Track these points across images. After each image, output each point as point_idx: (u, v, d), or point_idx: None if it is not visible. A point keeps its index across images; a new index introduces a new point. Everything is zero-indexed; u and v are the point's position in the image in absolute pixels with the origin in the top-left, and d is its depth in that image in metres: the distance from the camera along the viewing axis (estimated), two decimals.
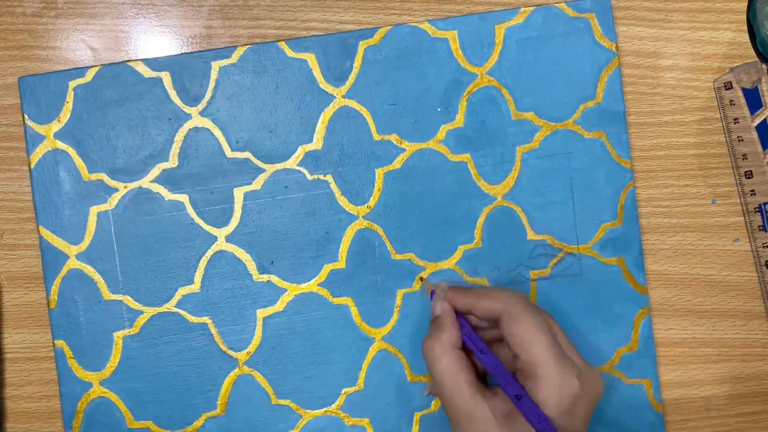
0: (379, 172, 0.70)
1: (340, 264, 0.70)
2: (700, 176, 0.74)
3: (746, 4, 0.72)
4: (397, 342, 0.71)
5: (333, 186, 0.70)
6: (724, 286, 0.75)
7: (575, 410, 0.59)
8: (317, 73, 0.70)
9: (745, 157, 0.73)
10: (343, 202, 0.70)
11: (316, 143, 0.70)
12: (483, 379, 0.65)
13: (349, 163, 0.70)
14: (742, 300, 0.75)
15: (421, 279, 0.71)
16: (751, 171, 0.73)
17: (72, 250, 0.68)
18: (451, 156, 0.71)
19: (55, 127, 0.68)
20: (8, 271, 0.70)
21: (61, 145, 0.68)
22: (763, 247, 0.73)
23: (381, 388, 0.71)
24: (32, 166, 0.68)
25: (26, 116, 0.68)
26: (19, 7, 0.70)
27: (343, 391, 0.70)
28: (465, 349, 0.63)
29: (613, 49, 0.71)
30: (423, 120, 0.71)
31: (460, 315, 0.65)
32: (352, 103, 0.70)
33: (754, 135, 0.73)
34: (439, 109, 0.71)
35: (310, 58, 0.70)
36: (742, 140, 0.73)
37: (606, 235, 0.71)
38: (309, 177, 0.70)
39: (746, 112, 0.73)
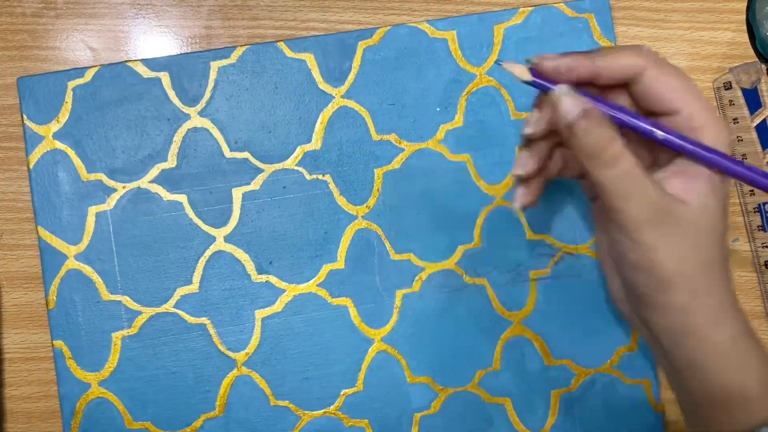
0: (378, 172, 0.70)
1: (339, 264, 0.70)
2: None
3: (746, 4, 0.72)
4: (397, 343, 0.70)
5: (332, 186, 0.70)
6: None
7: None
8: (316, 73, 0.70)
9: (744, 157, 0.73)
10: (341, 202, 0.70)
11: (315, 143, 0.70)
12: None
13: (348, 163, 0.70)
14: (742, 300, 0.75)
15: (500, 63, 0.56)
16: None
17: (71, 250, 0.68)
18: (451, 156, 0.71)
19: (54, 127, 0.68)
20: (8, 271, 0.70)
21: (59, 145, 0.68)
22: (763, 247, 0.73)
23: (380, 389, 0.70)
24: (31, 167, 0.68)
25: (25, 116, 0.68)
26: (19, 7, 0.70)
27: (342, 392, 0.70)
28: None
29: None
30: (422, 120, 0.70)
31: (585, 93, 0.55)
32: (351, 103, 0.70)
33: (754, 135, 0.73)
34: (438, 109, 0.71)
35: (309, 59, 0.70)
36: (742, 140, 0.73)
37: None
38: (308, 177, 0.70)
39: (746, 112, 0.73)
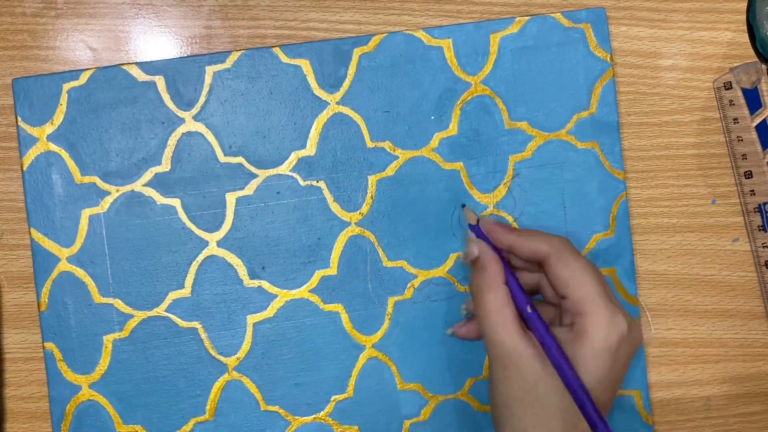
0: (372, 179, 0.70)
1: (332, 270, 0.70)
2: (699, 176, 0.74)
3: (746, 4, 0.72)
4: (388, 350, 0.71)
5: (326, 192, 0.70)
6: (724, 286, 0.75)
7: (620, 350, 0.59)
8: (311, 79, 0.70)
9: (744, 157, 0.73)
10: (335, 208, 0.70)
11: (310, 149, 0.70)
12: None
13: (342, 169, 0.70)
14: (742, 300, 0.75)
15: (464, 206, 0.71)
16: (750, 171, 0.73)
17: (63, 252, 0.68)
18: (444, 164, 0.70)
19: (49, 129, 0.68)
20: (8, 271, 0.71)
21: (53, 147, 0.68)
22: (763, 247, 0.74)
23: (370, 395, 0.71)
24: (24, 168, 0.68)
25: (19, 118, 0.68)
26: (19, 7, 0.70)
27: (332, 398, 0.70)
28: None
29: (608, 59, 0.71)
30: (416, 128, 0.70)
31: (504, 262, 0.64)
32: (346, 110, 0.70)
33: (754, 135, 0.73)
34: (432, 117, 0.70)
35: (305, 65, 0.70)
36: (742, 140, 0.73)
37: (597, 245, 0.72)
38: (302, 183, 0.70)
39: (746, 112, 0.73)
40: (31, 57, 0.71)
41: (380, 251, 0.70)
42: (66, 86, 0.68)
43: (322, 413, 0.70)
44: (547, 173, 0.71)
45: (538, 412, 0.58)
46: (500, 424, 0.61)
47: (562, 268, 0.61)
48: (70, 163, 0.68)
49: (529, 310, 0.61)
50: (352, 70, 0.70)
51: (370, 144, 0.70)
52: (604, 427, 0.57)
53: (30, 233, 0.68)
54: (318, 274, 0.70)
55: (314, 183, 0.70)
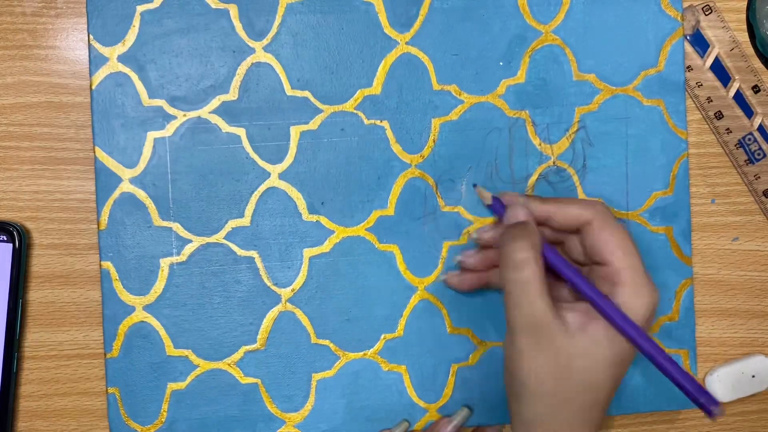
0: (435, 122, 0.70)
1: (389, 211, 0.70)
2: (699, 176, 0.75)
3: (746, 3, 0.72)
4: (440, 293, 0.71)
5: (388, 132, 0.70)
6: (723, 286, 0.76)
7: (651, 320, 0.60)
8: (383, 17, 0.70)
9: (709, 99, 0.74)
10: (397, 149, 0.70)
11: (375, 88, 0.70)
12: None
13: (407, 110, 0.70)
14: (741, 300, 0.76)
15: (475, 186, 0.71)
16: (720, 111, 0.74)
17: (126, 173, 0.68)
18: (509, 111, 0.71)
19: (119, 49, 0.68)
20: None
21: (123, 68, 0.68)
22: (756, 179, 0.74)
23: (420, 336, 0.71)
24: (93, 87, 0.68)
25: (91, 36, 0.68)
26: (19, 7, 0.70)
27: (382, 337, 0.71)
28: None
29: (678, 19, 0.71)
30: (484, 73, 0.71)
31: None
32: (415, 51, 0.70)
33: (711, 75, 0.74)
34: (501, 63, 0.71)
35: (377, 3, 0.70)
36: (702, 85, 0.74)
37: (656, 203, 0.72)
38: (365, 121, 0.70)
39: (698, 59, 0.74)
40: (31, 56, 0.70)
41: (438, 195, 0.70)
42: (140, 8, 0.68)
43: (371, 350, 0.71)
44: (612, 128, 0.71)
45: (570, 387, 0.58)
46: (522, 397, 0.60)
47: (607, 235, 0.60)
48: (139, 85, 0.69)
49: (580, 277, 0.61)
50: (424, 10, 0.70)
51: (436, 86, 0.70)
52: (707, 395, 0.59)
53: (94, 151, 0.68)
54: (375, 213, 0.70)
55: (378, 122, 0.70)
